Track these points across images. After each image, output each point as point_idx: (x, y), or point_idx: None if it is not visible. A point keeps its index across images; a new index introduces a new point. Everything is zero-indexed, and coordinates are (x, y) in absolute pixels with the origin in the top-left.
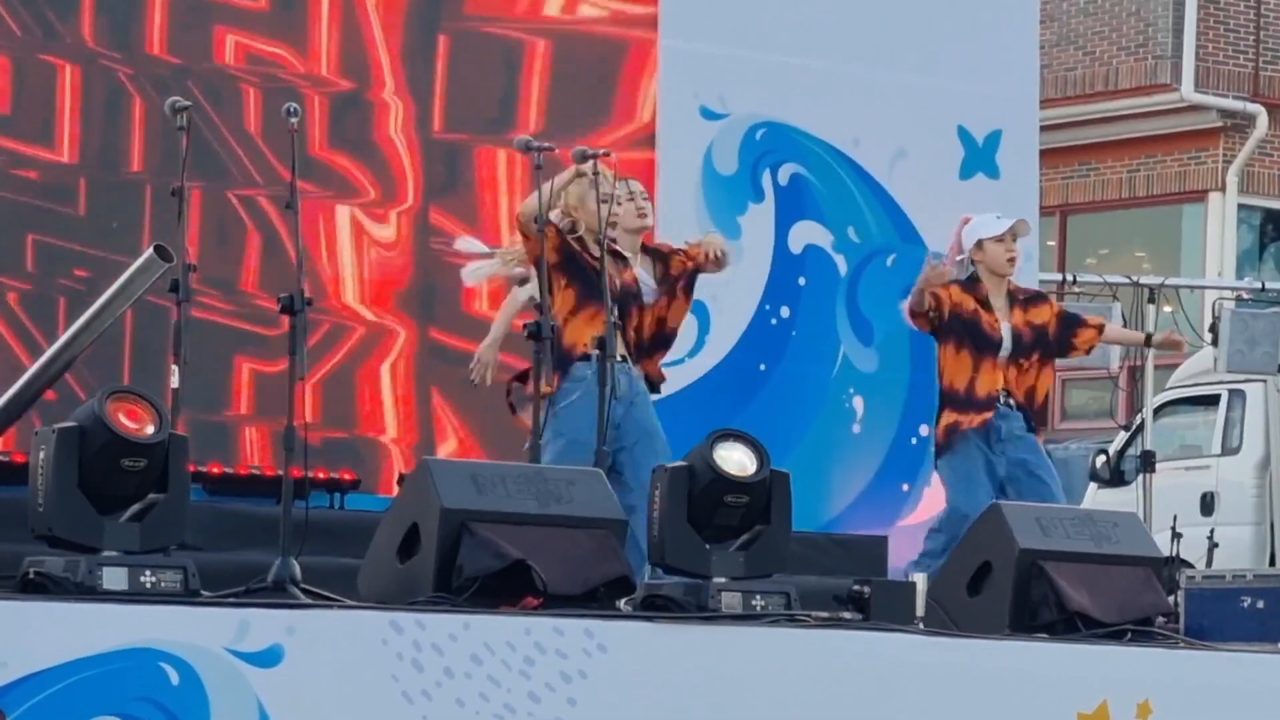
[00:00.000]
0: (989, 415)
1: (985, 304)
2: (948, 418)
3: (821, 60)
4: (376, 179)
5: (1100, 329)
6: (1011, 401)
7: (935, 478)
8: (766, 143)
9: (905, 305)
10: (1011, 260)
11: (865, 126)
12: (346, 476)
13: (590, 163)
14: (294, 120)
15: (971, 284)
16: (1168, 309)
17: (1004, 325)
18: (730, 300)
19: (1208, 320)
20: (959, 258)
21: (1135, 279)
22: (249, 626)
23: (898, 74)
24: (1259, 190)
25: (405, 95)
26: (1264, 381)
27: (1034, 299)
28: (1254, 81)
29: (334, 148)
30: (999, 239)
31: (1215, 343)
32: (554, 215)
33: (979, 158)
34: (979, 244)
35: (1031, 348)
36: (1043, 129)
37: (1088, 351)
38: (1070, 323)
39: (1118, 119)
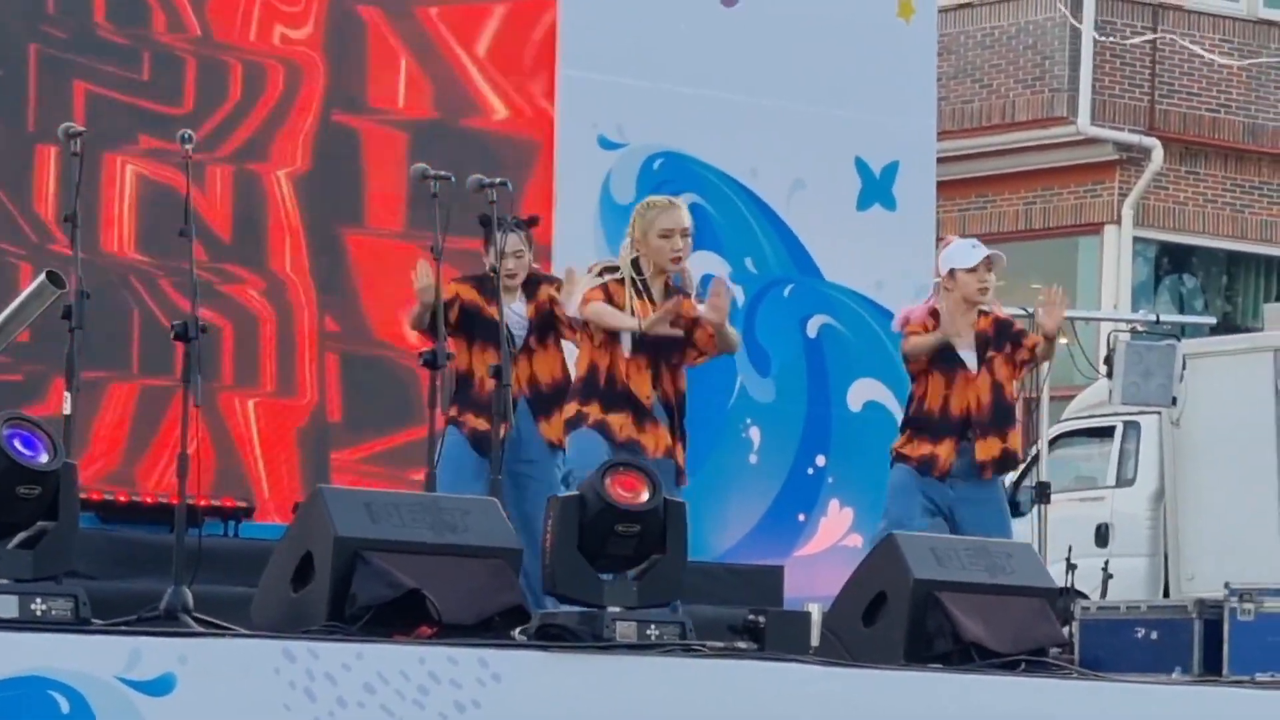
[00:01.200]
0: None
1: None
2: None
3: (720, 91)
4: None
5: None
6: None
7: (831, 508)
8: (664, 172)
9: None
10: (983, 290)
11: (763, 157)
12: (240, 505)
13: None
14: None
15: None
16: (1063, 341)
17: (965, 348)
18: None
19: (1103, 352)
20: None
21: (1030, 310)
22: (140, 655)
23: (796, 105)
24: (1155, 223)
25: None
26: (1158, 414)
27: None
28: (1150, 115)
29: None
30: (971, 269)
31: (1110, 375)
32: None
33: (876, 189)
34: (951, 272)
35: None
36: (940, 161)
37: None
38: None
39: (1014, 151)
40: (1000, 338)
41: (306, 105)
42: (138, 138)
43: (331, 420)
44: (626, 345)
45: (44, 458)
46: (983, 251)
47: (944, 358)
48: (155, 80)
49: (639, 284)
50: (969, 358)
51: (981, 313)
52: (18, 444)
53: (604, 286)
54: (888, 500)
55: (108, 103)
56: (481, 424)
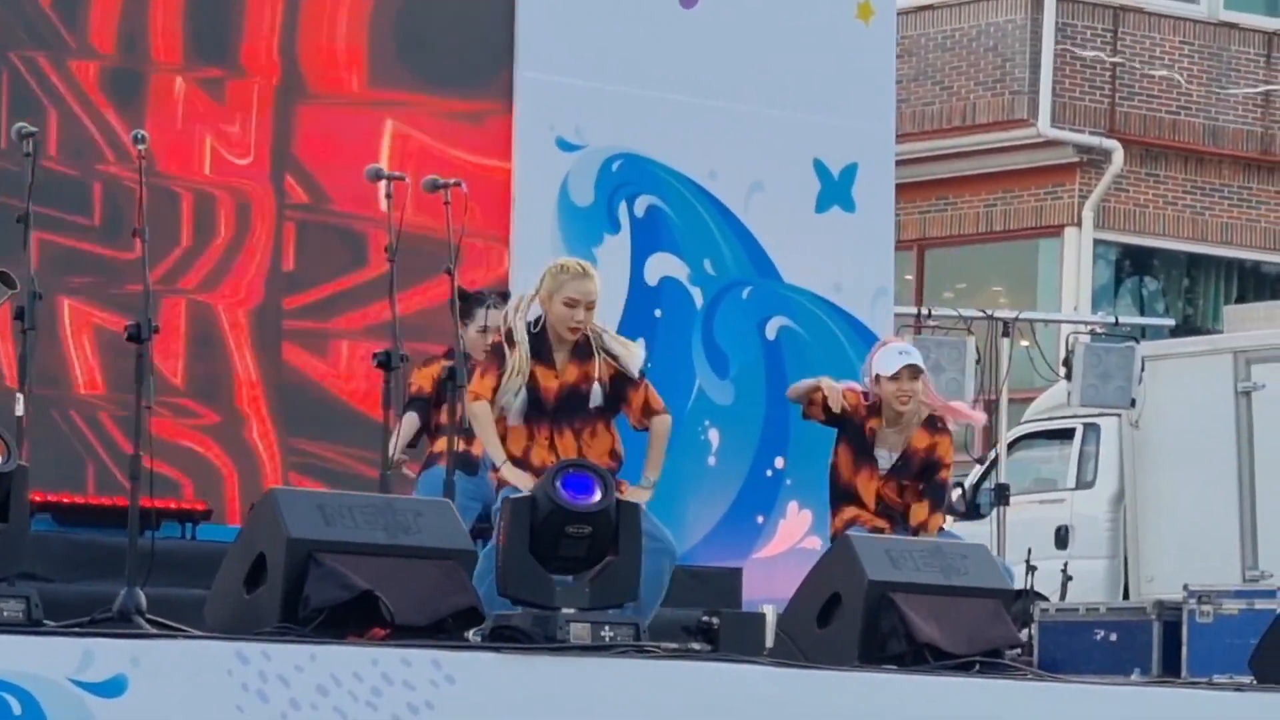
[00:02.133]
0: (884, 523)
1: (877, 423)
2: (848, 512)
3: (678, 93)
4: None
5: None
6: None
7: (790, 509)
8: (623, 174)
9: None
10: (901, 399)
11: (722, 159)
12: (198, 507)
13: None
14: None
15: (873, 408)
16: (1023, 343)
17: (884, 451)
18: None
19: (1063, 354)
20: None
21: (990, 313)
22: (93, 657)
23: (754, 107)
24: (1115, 226)
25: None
26: (1118, 415)
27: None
28: (1110, 117)
29: None
30: (893, 376)
31: (1069, 377)
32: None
33: (835, 191)
34: (876, 378)
35: (915, 473)
36: (899, 163)
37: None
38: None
39: (974, 154)
40: (925, 471)
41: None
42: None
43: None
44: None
45: None
46: (902, 361)
47: (859, 443)
48: None
49: (539, 346)
50: (882, 456)
51: (933, 428)
52: None
53: (496, 360)
54: None
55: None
56: (461, 445)
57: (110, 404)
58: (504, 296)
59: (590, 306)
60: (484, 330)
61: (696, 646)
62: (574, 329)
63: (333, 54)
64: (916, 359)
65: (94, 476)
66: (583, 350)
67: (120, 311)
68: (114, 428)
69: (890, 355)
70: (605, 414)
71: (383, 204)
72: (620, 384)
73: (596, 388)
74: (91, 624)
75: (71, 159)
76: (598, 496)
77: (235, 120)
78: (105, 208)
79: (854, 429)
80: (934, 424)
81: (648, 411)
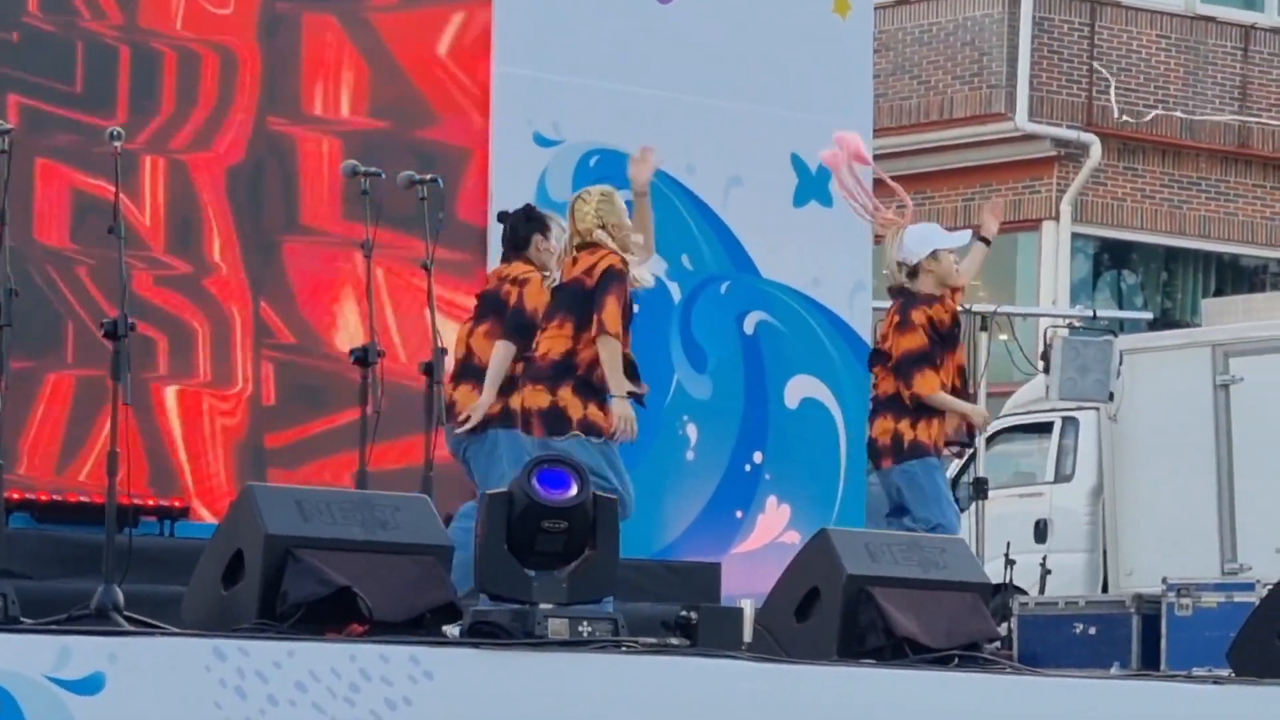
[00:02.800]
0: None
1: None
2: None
3: (655, 88)
4: None
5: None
6: None
7: (769, 504)
8: (600, 170)
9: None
10: (956, 272)
11: (699, 154)
12: (177, 504)
13: None
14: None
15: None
16: (1001, 337)
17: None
18: None
19: (1041, 348)
20: (900, 258)
21: (969, 307)
22: (70, 654)
23: (732, 102)
24: (1093, 219)
25: None
26: (1096, 409)
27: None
28: (1088, 111)
29: None
30: (953, 251)
31: (1048, 371)
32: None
33: (813, 186)
34: (934, 254)
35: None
36: (877, 158)
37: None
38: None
39: (952, 148)
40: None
41: (242, 106)
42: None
43: (266, 404)
44: None
45: None
46: (961, 237)
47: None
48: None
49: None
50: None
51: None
52: None
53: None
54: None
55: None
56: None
57: (85, 258)
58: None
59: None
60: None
61: (675, 641)
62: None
63: None
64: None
65: (73, 338)
66: None
67: (98, 173)
68: (90, 282)
69: (940, 232)
70: None
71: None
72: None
73: None
74: (69, 621)
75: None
76: (573, 491)
77: None
78: (87, 72)
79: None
80: None
81: None
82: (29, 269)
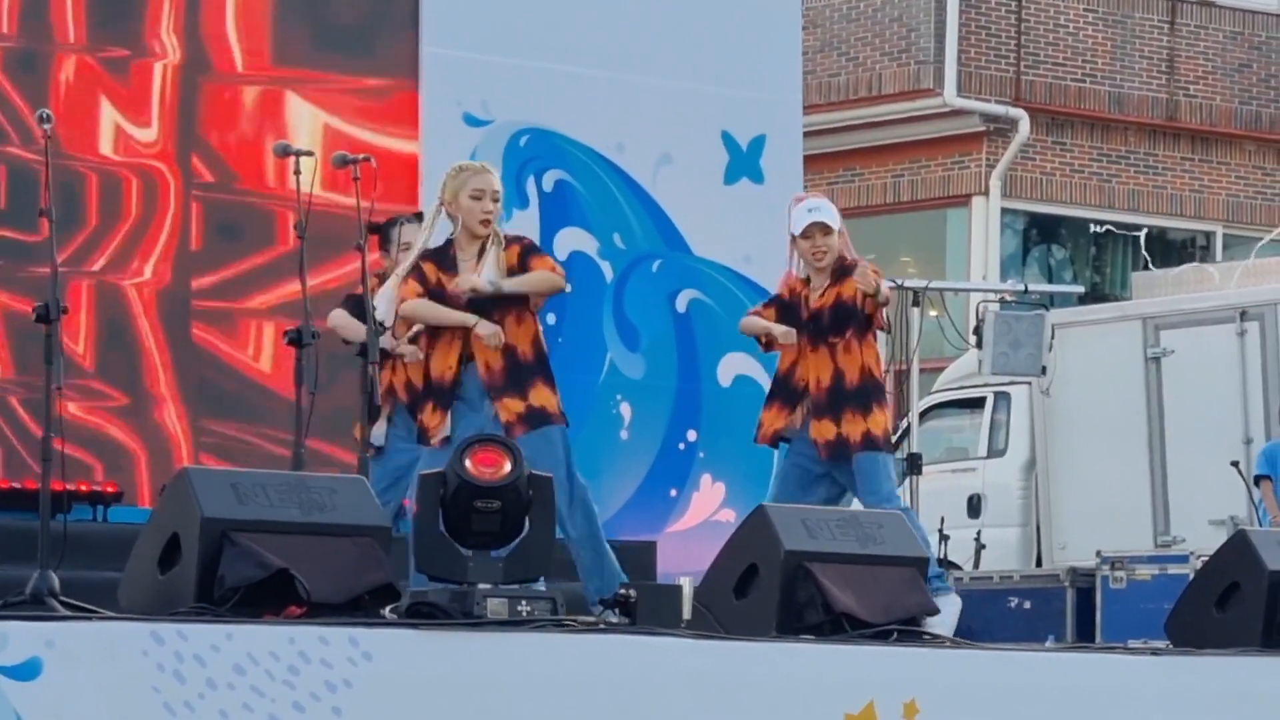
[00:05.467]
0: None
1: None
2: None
3: (584, 66)
4: None
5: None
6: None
7: (703, 483)
8: (530, 149)
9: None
10: (816, 255)
11: (629, 132)
12: (109, 489)
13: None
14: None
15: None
16: (933, 313)
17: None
18: None
19: (972, 323)
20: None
21: (900, 282)
22: (6, 640)
23: (661, 80)
24: (1022, 194)
25: None
26: (1028, 383)
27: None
28: (1016, 86)
29: None
30: (804, 234)
31: (980, 345)
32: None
33: (743, 163)
34: (791, 238)
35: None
36: (807, 135)
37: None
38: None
39: (881, 124)
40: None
41: None
42: None
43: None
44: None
45: None
46: (807, 220)
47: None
48: None
49: (443, 259)
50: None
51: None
52: None
53: (416, 274)
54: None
55: None
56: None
57: (18, 387)
58: (418, 216)
59: (496, 198)
60: (406, 247)
61: (614, 619)
62: (485, 221)
63: (237, 31)
64: (826, 215)
65: (2, 460)
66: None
67: (27, 294)
68: (23, 411)
69: (800, 214)
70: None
71: (291, 181)
72: (526, 258)
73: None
74: (5, 607)
75: None
76: (505, 470)
77: (139, 100)
78: (10, 190)
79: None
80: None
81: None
82: None
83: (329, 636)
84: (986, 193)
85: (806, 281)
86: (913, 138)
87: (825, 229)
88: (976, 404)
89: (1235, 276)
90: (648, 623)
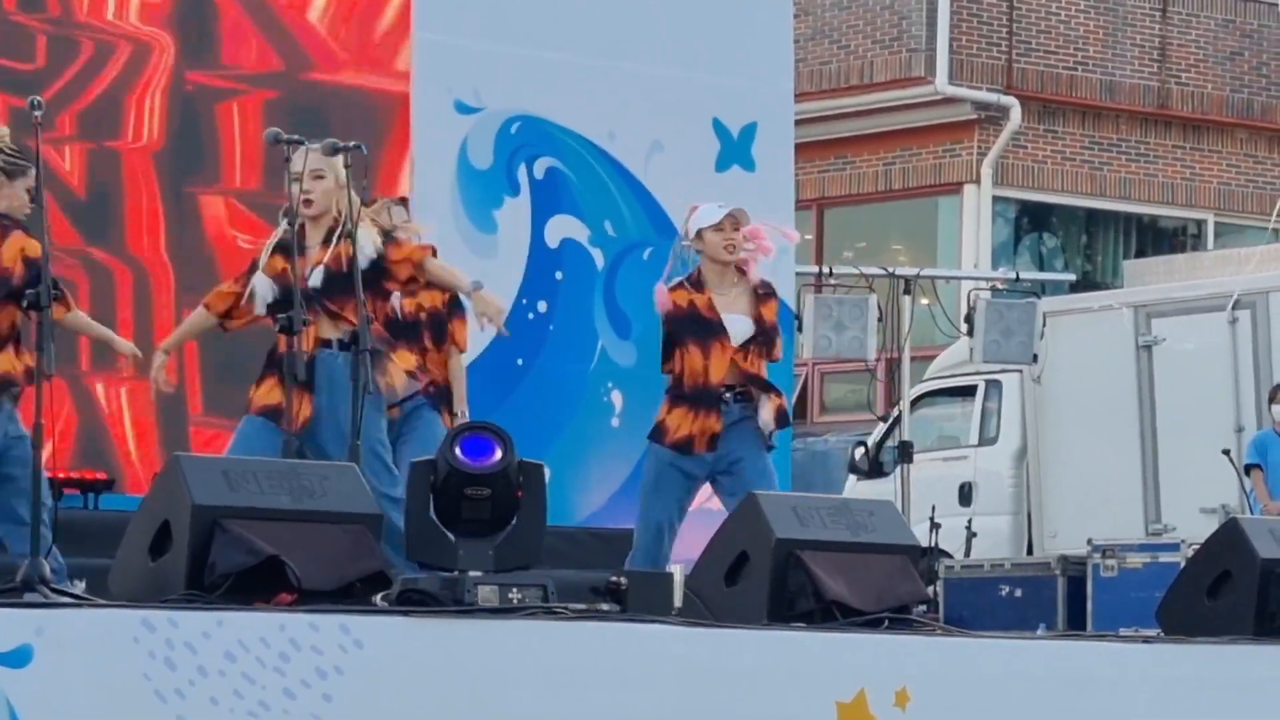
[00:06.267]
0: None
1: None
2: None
3: (576, 54)
4: None
5: None
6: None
7: None
8: (522, 136)
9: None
10: (729, 247)
11: (620, 120)
12: (100, 476)
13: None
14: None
15: (694, 284)
16: (924, 301)
17: (731, 315)
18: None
19: (964, 312)
20: (684, 243)
21: (892, 270)
22: None
23: (652, 67)
24: (1013, 182)
25: None
26: (1019, 372)
27: (769, 295)
28: (1007, 74)
29: None
30: (718, 227)
31: (971, 333)
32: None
33: (735, 150)
34: (699, 234)
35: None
36: (798, 122)
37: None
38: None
39: (873, 112)
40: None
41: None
42: None
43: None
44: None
45: None
46: (726, 208)
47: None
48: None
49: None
50: (734, 324)
51: (763, 295)
52: None
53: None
54: None
55: None
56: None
57: None
58: (403, 201)
59: (315, 175)
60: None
61: (605, 607)
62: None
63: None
64: (739, 208)
65: None
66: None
67: None
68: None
69: (710, 208)
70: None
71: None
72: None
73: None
74: None
75: None
76: (496, 457)
77: None
78: None
79: (691, 316)
80: (762, 291)
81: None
82: None
83: (320, 623)
84: (978, 180)
85: (695, 286)
86: (904, 125)
87: (735, 222)
88: (968, 392)
89: (1227, 265)
90: (639, 610)
